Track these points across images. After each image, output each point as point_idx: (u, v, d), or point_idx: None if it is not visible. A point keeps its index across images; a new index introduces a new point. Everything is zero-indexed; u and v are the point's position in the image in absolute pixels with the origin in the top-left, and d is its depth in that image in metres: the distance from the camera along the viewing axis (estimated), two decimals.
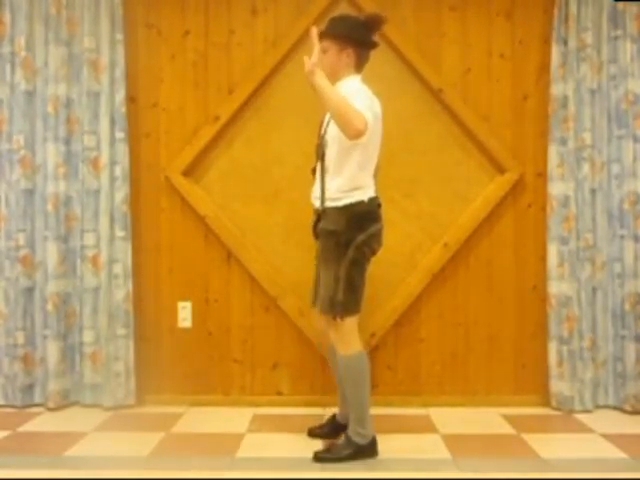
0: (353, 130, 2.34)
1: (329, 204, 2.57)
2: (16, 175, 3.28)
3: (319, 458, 2.61)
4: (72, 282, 3.34)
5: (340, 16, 2.76)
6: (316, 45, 2.42)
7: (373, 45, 2.64)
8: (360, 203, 2.55)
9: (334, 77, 2.58)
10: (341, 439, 2.67)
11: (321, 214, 2.60)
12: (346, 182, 2.54)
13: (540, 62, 3.37)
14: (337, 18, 2.69)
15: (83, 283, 3.30)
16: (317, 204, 2.62)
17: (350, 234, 2.53)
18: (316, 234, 2.66)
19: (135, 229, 3.38)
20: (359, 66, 2.62)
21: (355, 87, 2.56)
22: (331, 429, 2.84)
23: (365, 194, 2.57)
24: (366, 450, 2.62)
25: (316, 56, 2.40)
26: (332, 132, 2.53)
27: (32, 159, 3.31)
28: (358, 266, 2.56)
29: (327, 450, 2.65)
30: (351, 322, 2.58)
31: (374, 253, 2.63)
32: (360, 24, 2.61)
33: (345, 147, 2.48)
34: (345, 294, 2.53)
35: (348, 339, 2.58)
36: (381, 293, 3.38)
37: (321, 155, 2.60)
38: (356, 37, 2.58)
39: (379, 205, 2.65)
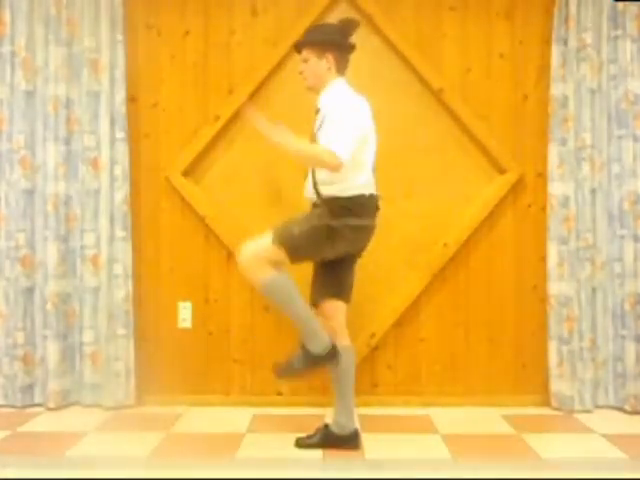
0: (330, 169, 2.47)
1: (327, 193, 2.60)
2: (16, 175, 3.28)
3: (280, 372, 2.64)
4: (72, 282, 3.34)
5: (314, 26, 2.84)
6: (257, 122, 2.55)
7: (350, 48, 2.71)
8: (360, 196, 2.60)
9: (319, 83, 2.68)
10: (296, 353, 2.63)
11: (318, 205, 2.64)
12: (343, 180, 2.57)
13: (540, 62, 3.37)
14: (313, 27, 2.79)
15: (83, 283, 3.30)
16: (313, 198, 2.67)
17: (344, 212, 2.56)
18: None
19: (135, 229, 3.38)
20: (340, 69, 2.69)
21: (338, 97, 2.60)
22: (321, 439, 2.75)
23: (365, 190, 2.62)
24: (325, 357, 2.60)
25: (265, 128, 2.52)
26: (322, 131, 2.57)
27: (32, 159, 3.31)
28: (332, 236, 2.55)
29: (284, 368, 2.64)
30: (274, 254, 2.55)
31: (355, 244, 2.64)
32: (335, 29, 2.70)
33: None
34: (300, 235, 2.53)
35: (263, 266, 2.55)
36: (381, 293, 3.38)
37: None
38: (332, 41, 2.67)
39: (377, 207, 2.68)
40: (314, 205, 2.70)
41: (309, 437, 2.78)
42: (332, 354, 2.63)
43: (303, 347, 2.62)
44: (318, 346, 2.60)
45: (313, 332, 2.60)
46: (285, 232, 2.57)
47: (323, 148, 2.48)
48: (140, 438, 2.88)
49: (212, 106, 3.39)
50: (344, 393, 2.72)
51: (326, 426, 2.78)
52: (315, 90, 2.71)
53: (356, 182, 2.59)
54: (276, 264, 2.57)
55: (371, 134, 2.66)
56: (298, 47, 2.72)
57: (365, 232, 2.66)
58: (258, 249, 2.58)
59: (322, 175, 2.60)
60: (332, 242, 2.59)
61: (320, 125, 2.61)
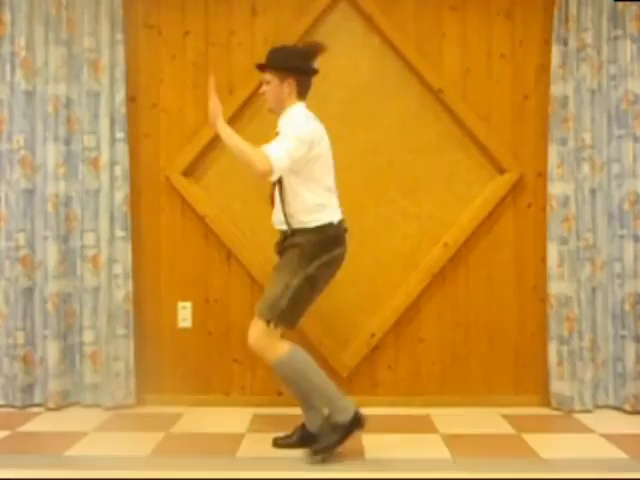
0: (257, 172, 2.44)
1: (298, 226, 2.60)
2: (16, 175, 3.28)
3: (316, 452, 2.57)
4: (72, 282, 3.34)
5: (279, 47, 2.80)
6: (212, 94, 2.56)
7: (312, 72, 2.70)
8: (330, 225, 2.59)
9: (279, 106, 2.67)
10: (324, 427, 2.59)
11: (288, 235, 2.63)
12: (306, 202, 2.58)
13: (540, 62, 3.37)
14: (276, 50, 2.74)
15: (83, 283, 3.30)
16: (284, 228, 2.65)
17: (317, 251, 2.56)
18: (280, 251, 2.69)
19: (135, 229, 3.38)
20: (301, 93, 2.68)
21: (293, 117, 2.61)
22: (299, 438, 2.74)
23: (333, 215, 2.61)
24: (353, 425, 2.57)
25: (214, 106, 2.54)
26: None
27: (32, 159, 3.31)
28: (312, 284, 2.58)
29: (317, 442, 2.59)
30: (276, 333, 2.59)
31: (332, 276, 2.65)
32: (299, 54, 2.69)
33: (295, 171, 2.53)
34: (289, 304, 2.54)
35: (274, 344, 2.58)
36: (381, 293, 3.38)
37: (277, 180, 2.60)
38: (295, 66, 2.65)
39: (345, 229, 2.68)
40: (285, 236, 2.66)
41: (287, 437, 2.77)
42: (359, 417, 2.59)
43: (327, 421, 2.58)
44: (345, 414, 2.57)
45: (336, 400, 2.59)
46: (274, 310, 2.55)
47: (259, 152, 2.44)
48: (140, 438, 2.88)
49: None
50: (315, 390, 2.63)
51: (303, 426, 2.75)
52: (275, 112, 2.69)
53: (327, 201, 2.60)
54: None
55: (326, 155, 2.64)
56: (261, 68, 2.70)
57: (341, 259, 2.65)
58: (261, 335, 2.58)
59: (291, 208, 2.59)
60: (317, 287, 2.61)
61: None
